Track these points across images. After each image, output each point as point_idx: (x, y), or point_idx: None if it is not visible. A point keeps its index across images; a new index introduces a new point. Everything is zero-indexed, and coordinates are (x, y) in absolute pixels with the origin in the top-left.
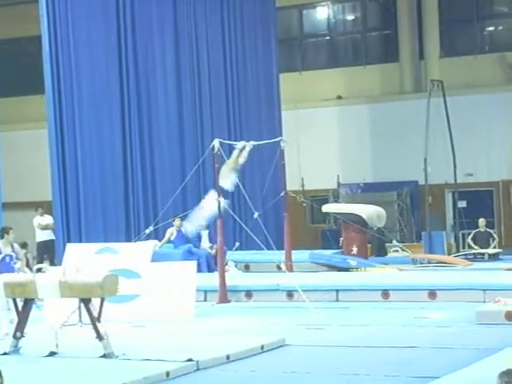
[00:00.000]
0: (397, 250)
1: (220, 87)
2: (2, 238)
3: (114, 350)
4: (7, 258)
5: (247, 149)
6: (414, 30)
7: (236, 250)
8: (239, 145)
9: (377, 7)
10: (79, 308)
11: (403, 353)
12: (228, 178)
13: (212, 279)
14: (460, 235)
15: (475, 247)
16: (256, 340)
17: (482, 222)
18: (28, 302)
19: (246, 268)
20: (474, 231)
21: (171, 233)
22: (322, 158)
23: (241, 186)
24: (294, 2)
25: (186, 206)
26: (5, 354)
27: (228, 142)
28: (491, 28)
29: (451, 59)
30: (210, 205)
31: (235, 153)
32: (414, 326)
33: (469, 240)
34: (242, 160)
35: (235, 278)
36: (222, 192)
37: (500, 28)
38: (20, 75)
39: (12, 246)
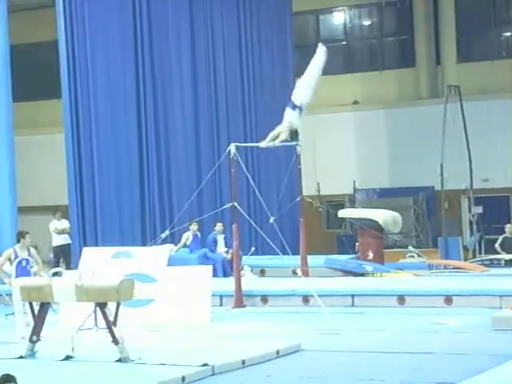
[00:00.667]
0: (413, 256)
1: (236, 92)
2: (18, 242)
3: (130, 354)
4: (23, 262)
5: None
6: (431, 35)
7: (252, 254)
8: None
9: (393, 12)
10: (95, 312)
11: (419, 359)
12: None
13: (228, 284)
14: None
15: (502, 253)
16: (271, 345)
17: (509, 227)
18: (44, 306)
19: (262, 273)
20: (501, 237)
21: (187, 237)
22: (338, 163)
23: (257, 191)
24: (311, 7)
25: (202, 211)
26: (21, 357)
27: (244, 144)
28: (508, 33)
29: (468, 64)
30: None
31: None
32: (430, 331)
33: (496, 245)
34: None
35: (251, 282)
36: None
37: None
38: (36, 80)
39: (28, 250)
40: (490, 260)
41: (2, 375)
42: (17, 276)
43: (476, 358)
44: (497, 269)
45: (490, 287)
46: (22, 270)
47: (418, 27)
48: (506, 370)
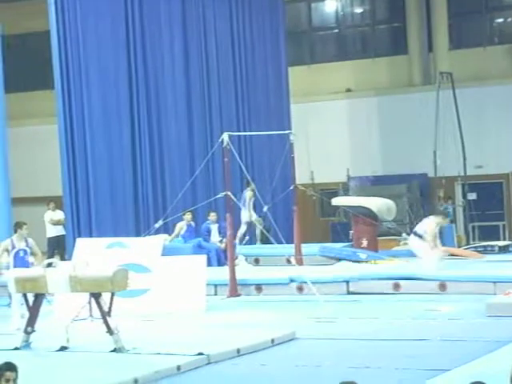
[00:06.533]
0: (407, 243)
1: (229, 80)
2: (15, 232)
3: (125, 344)
4: (21, 253)
5: None
6: (423, 22)
7: (246, 243)
8: None
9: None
10: (89, 303)
11: (414, 346)
12: None
13: (222, 273)
14: (470, 227)
15: None
16: (266, 333)
17: None
18: (38, 297)
19: (256, 262)
20: None
21: (181, 227)
22: (332, 151)
23: (250, 180)
24: None
25: (196, 200)
26: (16, 348)
27: (237, 133)
28: (500, 19)
29: (460, 51)
30: None
31: None
32: (425, 318)
33: None
34: None
35: (245, 271)
36: None
37: (509, 19)
38: (29, 70)
39: (26, 241)
40: (484, 246)
41: (5, 363)
42: (15, 266)
43: (470, 344)
44: (491, 255)
45: (484, 274)
46: (20, 261)
47: (410, 14)
48: (500, 356)
